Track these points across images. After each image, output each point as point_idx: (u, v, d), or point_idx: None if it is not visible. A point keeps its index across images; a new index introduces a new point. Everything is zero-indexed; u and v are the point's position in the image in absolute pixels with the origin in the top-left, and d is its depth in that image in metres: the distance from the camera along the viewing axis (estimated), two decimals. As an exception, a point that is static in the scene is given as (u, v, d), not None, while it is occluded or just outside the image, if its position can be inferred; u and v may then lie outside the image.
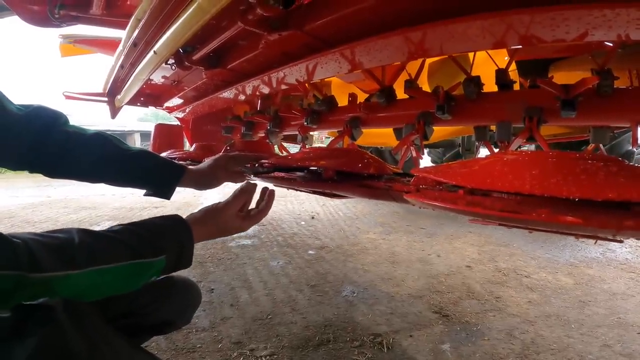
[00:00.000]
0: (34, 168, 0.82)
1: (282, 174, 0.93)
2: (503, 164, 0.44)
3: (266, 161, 0.93)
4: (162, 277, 0.86)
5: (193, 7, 0.83)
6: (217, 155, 0.98)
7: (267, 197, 0.83)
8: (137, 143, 26.80)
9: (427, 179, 0.56)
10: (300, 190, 0.89)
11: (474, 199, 0.43)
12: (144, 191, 0.95)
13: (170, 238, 0.64)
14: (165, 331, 0.92)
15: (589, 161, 0.40)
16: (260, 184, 0.90)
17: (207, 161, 0.96)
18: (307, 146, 1.43)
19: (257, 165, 0.96)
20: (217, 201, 0.79)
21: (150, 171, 0.90)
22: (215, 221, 0.74)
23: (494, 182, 0.41)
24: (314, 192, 0.90)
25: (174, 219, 0.68)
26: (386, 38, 0.72)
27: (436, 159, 7.52)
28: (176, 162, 0.95)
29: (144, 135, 27.41)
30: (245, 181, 0.85)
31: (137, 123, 29.00)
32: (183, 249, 0.65)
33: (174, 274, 0.89)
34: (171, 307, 0.87)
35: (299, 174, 0.90)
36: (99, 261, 0.50)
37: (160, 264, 0.60)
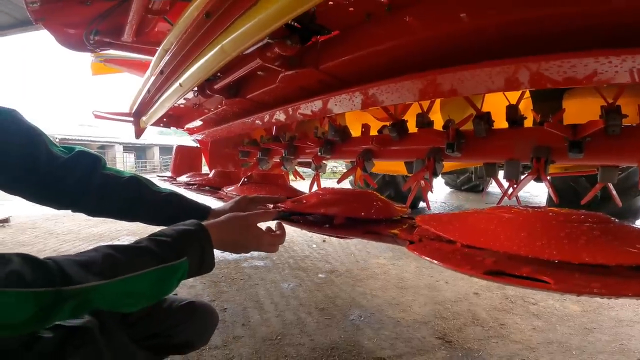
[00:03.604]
0: (75, 208, 0.88)
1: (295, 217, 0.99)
2: (498, 222, 0.47)
3: (282, 205, 1.00)
4: (185, 302, 0.93)
5: (216, 49, 0.88)
6: (237, 198, 1.04)
7: (281, 230, 0.86)
8: (156, 156, 27.44)
9: (429, 232, 0.59)
10: (314, 232, 0.94)
11: (468, 252, 0.46)
12: None
13: (190, 241, 0.66)
14: (184, 352, 0.97)
15: (577, 224, 0.43)
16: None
17: (229, 202, 1.02)
18: (320, 174, 1.47)
19: (272, 208, 1.03)
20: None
21: (179, 212, 0.97)
22: (239, 227, 0.76)
23: (487, 241, 0.44)
24: (326, 235, 0.95)
25: (192, 223, 0.71)
26: (399, 82, 0.75)
27: (450, 181, 7.60)
28: (201, 203, 1.01)
29: (163, 149, 28.07)
30: (273, 209, 0.88)
31: (157, 136, 29.64)
32: (204, 251, 0.67)
33: (194, 299, 0.97)
34: (192, 330, 0.93)
35: (311, 217, 0.95)
36: (124, 271, 0.54)
37: (184, 265, 0.62)
